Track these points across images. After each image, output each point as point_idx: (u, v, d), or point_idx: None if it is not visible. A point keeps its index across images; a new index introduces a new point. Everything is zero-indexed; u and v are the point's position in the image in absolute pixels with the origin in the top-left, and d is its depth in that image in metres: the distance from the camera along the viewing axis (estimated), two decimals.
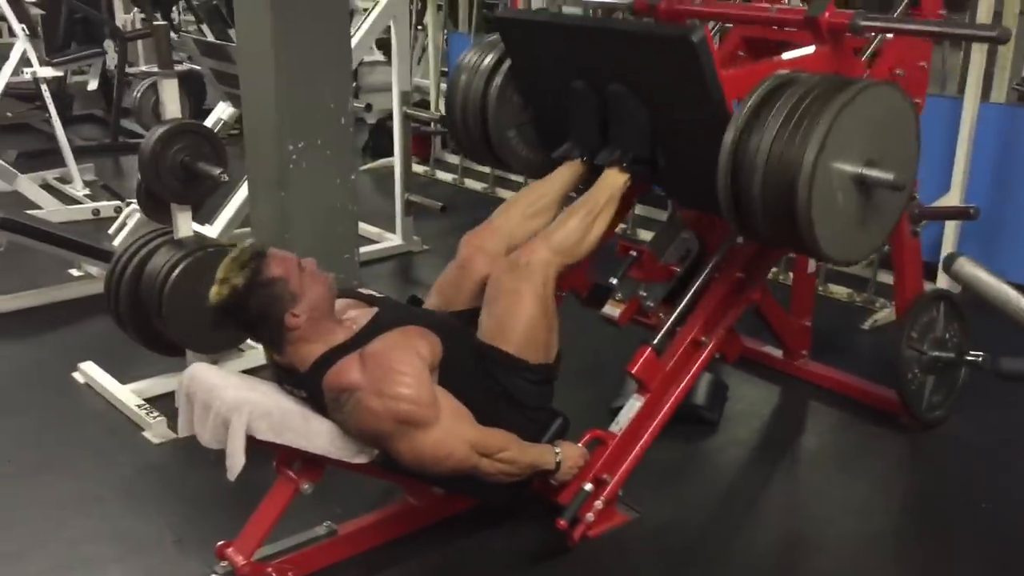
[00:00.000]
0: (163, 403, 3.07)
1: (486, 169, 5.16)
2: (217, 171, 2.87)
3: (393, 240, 4.58)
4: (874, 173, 2.11)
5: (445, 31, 6.01)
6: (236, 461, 1.96)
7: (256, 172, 3.27)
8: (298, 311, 2.03)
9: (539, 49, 2.64)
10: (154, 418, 2.94)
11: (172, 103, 2.94)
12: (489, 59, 2.80)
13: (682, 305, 2.50)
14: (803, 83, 2.16)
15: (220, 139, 3.05)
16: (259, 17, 3.02)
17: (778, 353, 3.32)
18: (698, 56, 2.19)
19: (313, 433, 2.05)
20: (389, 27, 4.29)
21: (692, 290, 2.52)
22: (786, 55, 2.55)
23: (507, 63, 2.75)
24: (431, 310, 2.38)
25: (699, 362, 2.50)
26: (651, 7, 2.87)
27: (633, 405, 2.45)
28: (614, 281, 2.69)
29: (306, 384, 2.08)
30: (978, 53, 3.67)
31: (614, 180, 2.45)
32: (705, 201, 2.55)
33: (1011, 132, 3.83)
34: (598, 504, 2.35)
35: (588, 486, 2.32)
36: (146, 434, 2.93)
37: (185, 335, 2.99)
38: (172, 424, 2.93)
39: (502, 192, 5.36)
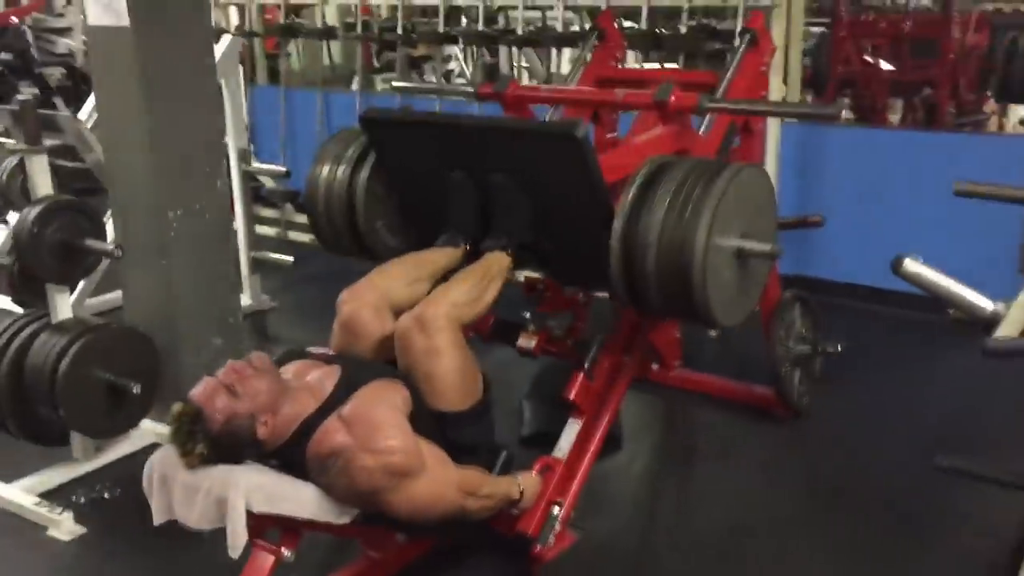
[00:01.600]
0: (59, 497, 2.89)
1: None
2: (111, 247, 2.75)
3: (243, 300, 4.48)
4: (752, 246, 2.31)
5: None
6: (239, 539, 1.92)
7: (130, 243, 3.14)
8: (263, 419, 2.03)
9: (411, 144, 2.70)
10: (59, 514, 2.75)
11: (42, 180, 2.79)
12: (351, 152, 2.83)
13: (604, 333, 2.68)
14: (679, 168, 2.33)
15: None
16: (130, 90, 2.93)
17: (654, 366, 3.57)
18: (582, 150, 2.33)
19: (303, 499, 2.04)
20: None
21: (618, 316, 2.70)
22: (641, 137, 2.79)
23: (371, 156, 2.79)
24: (381, 363, 2.39)
25: (624, 381, 2.69)
26: (496, 93, 3.00)
27: (572, 429, 2.59)
28: (527, 315, 2.83)
29: (286, 455, 2.08)
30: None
31: (498, 260, 2.49)
32: (590, 281, 2.77)
33: (808, 147, 4.36)
34: (556, 527, 2.48)
35: (556, 510, 2.43)
36: (52, 532, 2.74)
37: (81, 421, 2.83)
38: (80, 518, 2.77)
39: None
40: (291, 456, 2.07)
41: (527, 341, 2.83)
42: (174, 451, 2.04)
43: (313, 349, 2.37)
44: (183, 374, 3.15)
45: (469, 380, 2.31)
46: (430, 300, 2.32)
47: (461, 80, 7.61)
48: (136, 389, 2.82)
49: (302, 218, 5.75)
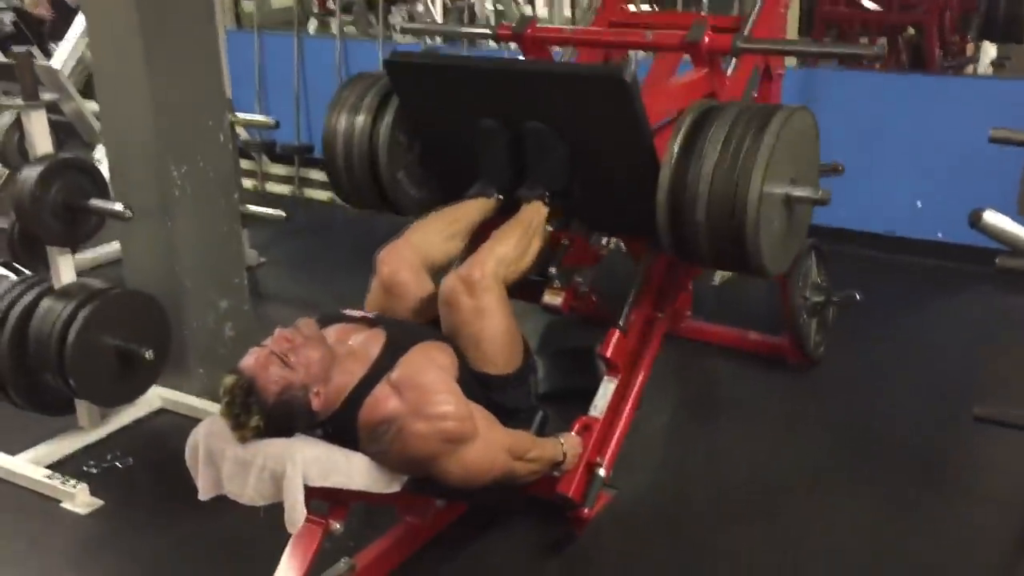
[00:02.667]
0: (68, 468, 2.79)
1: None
2: (119, 207, 2.62)
3: None
4: (803, 192, 2.29)
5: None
6: (298, 513, 1.86)
7: (131, 202, 2.99)
8: (316, 388, 1.95)
9: (439, 90, 2.60)
10: (73, 486, 2.65)
11: (42, 138, 2.64)
12: (370, 99, 2.74)
13: (635, 287, 2.62)
14: (727, 113, 2.29)
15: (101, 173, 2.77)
16: (128, 41, 2.77)
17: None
18: (630, 94, 2.26)
19: (355, 471, 1.97)
20: None
21: (640, 271, 2.64)
22: (675, 80, 2.71)
23: (393, 102, 2.70)
24: (424, 324, 2.32)
25: (657, 337, 2.64)
26: (516, 35, 2.91)
27: (608, 387, 2.55)
28: (553, 270, 2.76)
29: (335, 424, 2.00)
30: None
31: (537, 210, 2.45)
32: (626, 227, 2.70)
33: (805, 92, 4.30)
34: (599, 488, 2.44)
35: (601, 471, 2.40)
36: (67, 505, 2.64)
37: (92, 390, 2.73)
38: (95, 489, 2.67)
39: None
40: (341, 425, 2.00)
41: (553, 298, 2.76)
42: (222, 424, 1.95)
43: (349, 311, 2.28)
44: (189, 337, 3.07)
45: (515, 342, 2.27)
46: (476, 260, 2.25)
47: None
48: (149, 354, 2.71)
49: (279, 169, 5.63)
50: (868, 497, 2.64)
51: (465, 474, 2.05)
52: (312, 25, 6.10)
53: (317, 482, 1.89)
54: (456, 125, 2.57)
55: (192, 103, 2.92)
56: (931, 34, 5.32)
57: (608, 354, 2.53)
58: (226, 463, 1.92)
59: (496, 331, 2.21)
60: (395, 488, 2.05)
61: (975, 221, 1.87)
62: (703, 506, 2.62)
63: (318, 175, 5.65)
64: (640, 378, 2.59)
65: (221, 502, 2.57)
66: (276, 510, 1.91)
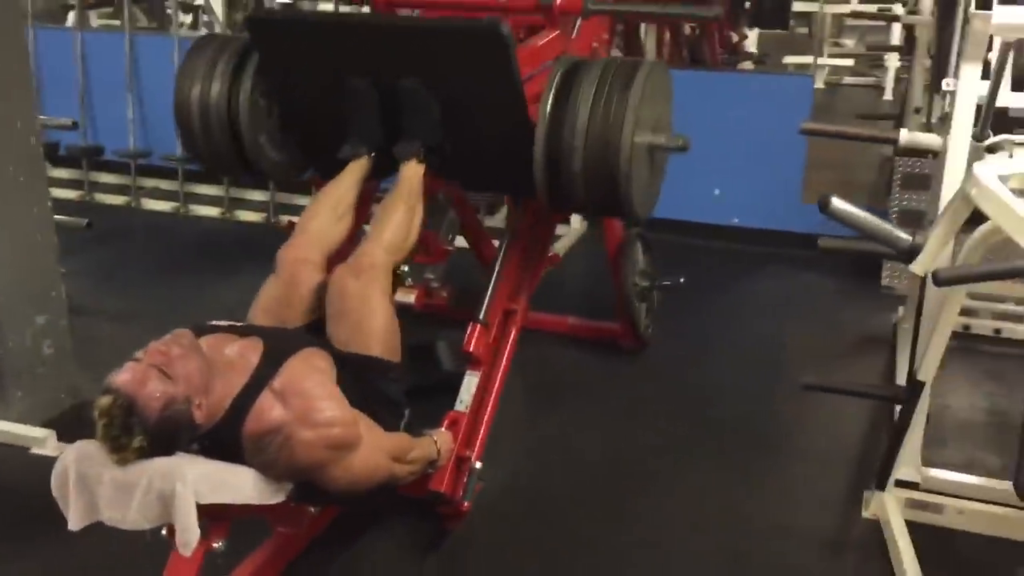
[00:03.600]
0: None
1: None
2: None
3: None
4: (667, 141, 2.46)
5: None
6: (193, 534, 1.75)
7: None
8: (198, 401, 1.85)
9: (304, 49, 2.56)
10: None
11: None
12: (224, 63, 2.67)
13: (493, 279, 2.66)
14: (594, 68, 2.40)
15: None
16: None
17: None
18: (506, 47, 2.33)
19: (242, 484, 1.89)
20: None
21: (496, 264, 2.69)
22: (534, 40, 2.77)
23: (250, 65, 2.64)
24: (298, 329, 2.26)
25: (515, 328, 2.70)
26: None
27: (471, 381, 2.57)
28: (405, 268, 2.76)
29: (215, 436, 1.91)
30: None
31: (415, 172, 2.50)
32: (498, 183, 2.74)
33: None
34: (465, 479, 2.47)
35: (478, 464, 2.42)
36: None
37: None
38: None
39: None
40: (221, 438, 1.91)
41: (406, 296, 2.77)
42: (94, 447, 1.81)
43: (216, 322, 2.18)
44: (5, 358, 2.82)
45: (397, 333, 2.28)
46: (366, 248, 2.29)
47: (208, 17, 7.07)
48: None
49: (107, 178, 5.26)
50: (711, 467, 2.83)
51: (351, 480, 2.02)
52: (70, 19, 5.70)
53: (207, 499, 1.80)
54: (322, 84, 2.53)
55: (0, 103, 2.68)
56: (710, 31, 5.67)
57: (471, 348, 2.56)
58: (103, 487, 1.79)
59: (382, 318, 2.23)
60: (280, 498, 1.99)
61: (824, 206, 2.04)
62: (564, 490, 2.71)
63: (110, 178, 5.34)
64: (501, 370, 2.64)
65: (59, 531, 2.43)
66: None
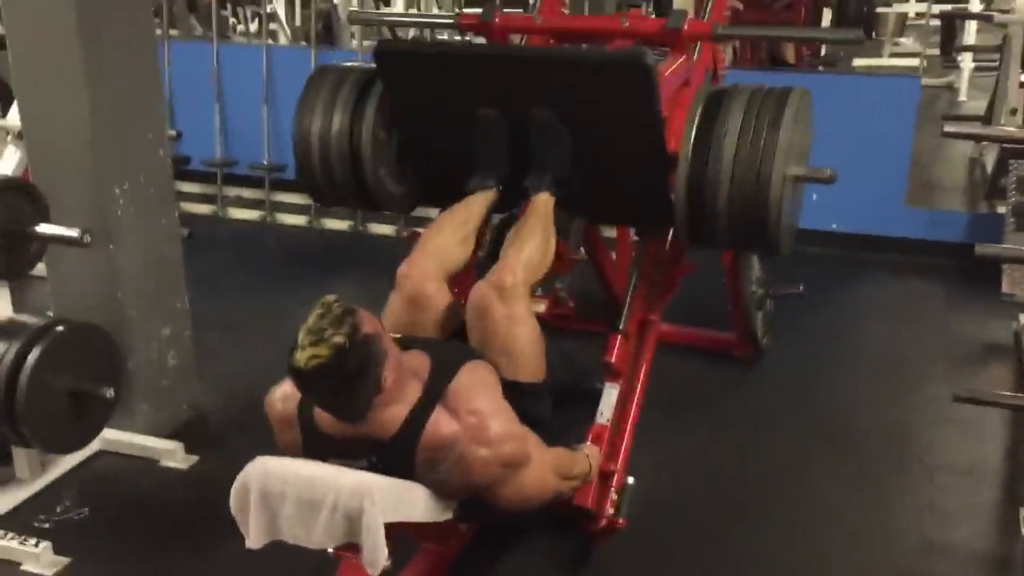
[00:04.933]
0: (13, 523, 2.50)
1: None
2: (76, 233, 2.35)
3: None
4: (814, 173, 2.36)
5: None
6: (381, 554, 1.71)
7: (66, 224, 2.70)
8: (388, 370, 1.81)
9: (433, 80, 2.50)
10: (35, 545, 2.36)
11: None
12: (345, 95, 2.63)
13: (631, 289, 2.60)
14: (738, 98, 2.32)
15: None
16: (64, 43, 2.49)
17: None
18: (650, 79, 2.24)
19: (416, 502, 1.86)
20: None
21: (633, 273, 2.63)
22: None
23: (371, 98, 2.61)
24: (458, 343, 2.22)
25: (651, 339, 2.64)
26: (482, 24, 2.81)
27: (611, 393, 2.51)
28: None
29: (394, 450, 1.86)
30: None
31: (547, 203, 2.41)
32: (627, 216, 2.70)
33: None
34: (613, 495, 2.41)
35: (631, 480, 2.36)
36: (29, 567, 2.35)
37: (45, 436, 2.45)
38: (56, 547, 2.39)
39: None
40: (393, 454, 1.86)
41: (535, 306, 2.71)
42: (274, 463, 1.79)
43: None
44: (133, 370, 2.80)
45: (541, 351, 2.21)
46: (506, 266, 2.20)
47: (274, 26, 7.08)
48: (109, 394, 2.45)
49: (190, 187, 5.28)
50: (848, 480, 2.75)
51: (522, 499, 1.98)
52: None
53: (389, 518, 1.76)
54: (449, 116, 2.49)
55: (131, 113, 2.67)
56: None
57: (612, 359, 2.50)
58: (287, 505, 1.76)
59: (529, 338, 2.16)
60: (448, 516, 1.95)
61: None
62: (706, 504, 2.65)
63: (190, 187, 5.35)
64: (641, 382, 2.58)
65: (199, 545, 2.41)
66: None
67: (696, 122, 2.31)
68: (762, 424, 3.06)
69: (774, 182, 2.22)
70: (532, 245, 2.27)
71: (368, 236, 4.88)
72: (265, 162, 5.04)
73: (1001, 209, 4.62)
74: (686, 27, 2.61)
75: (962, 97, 7.17)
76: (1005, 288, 3.75)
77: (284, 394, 1.97)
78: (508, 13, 2.82)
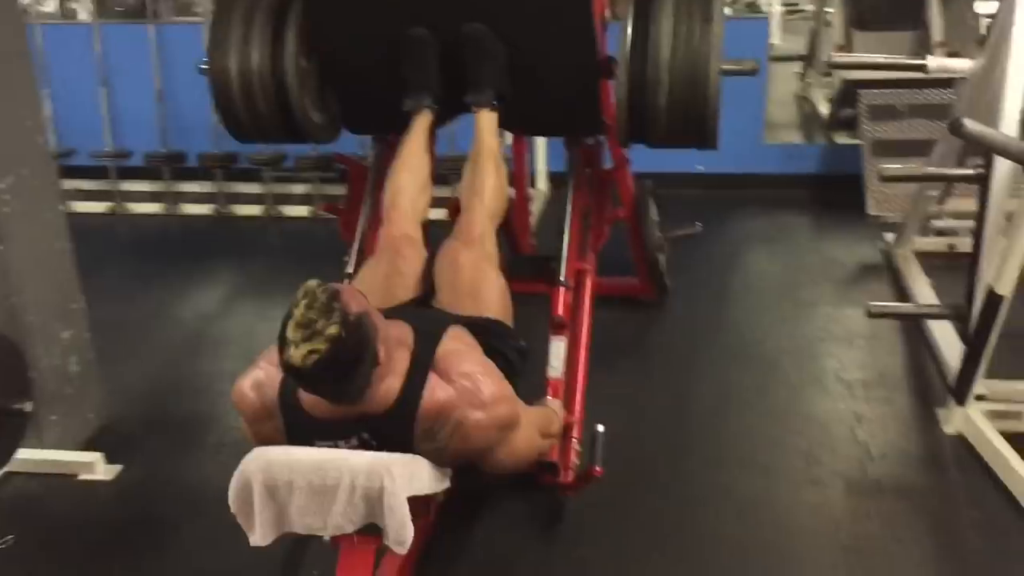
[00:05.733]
0: None
1: None
2: None
3: None
4: (737, 65, 2.44)
5: None
6: (408, 531, 1.65)
7: None
8: (382, 346, 1.73)
9: (360, 2, 2.45)
10: None
11: None
12: (261, 27, 2.54)
13: (565, 239, 2.60)
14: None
15: None
16: None
17: None
18: None
19: (422, 473, 1.80)
20: None
21: (565, 224, 2.63)
22: None
23: (289, 26, 2.52)
24: (432, 309, 2.14)
25: (589, 288, 2.65)
26: None
27: (560, 346, 2.51)
28: None
29: (390, 423, 1.79)
30: None
31: (492, 122, 2.45)
32: (561, 125, 2.70)
33: None
34: (576, 446, 2.41)
35: (600, 428, 2.35)
36: None
37: None
38: None
39: None
40: (399, 424, 1.78)
41: None
42: (276, 454, 1.69)
43: None
44: (37, 379, 2.57)
45: (508, 300, 2.25)
46: (471, 217, 2.28)
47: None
48: (28, 407, 2.24)
49: None
50: (777, 402, 2.89)
51: (515, 459, 1.96)
52: None
53: (408, 492, 1.69)
54: (377, 37, 2.44)
55: (7, 101, 2.41)
56: None
57: (559, 312, 2.49)
58: (296, 495, 1.66)
59: (494, 285, 2.21)
60: (447, 485, 1.91)
61: (956, 128, 2.07)
62: (654, 445, 2.69)
63: None
64: (585, 331, 2.59)
65: (140, 557, 2.26)
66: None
67: (631, 24, 2.36)
68: (685, 361, 3.16)
69: (712, 77, 2.31)
70: (489, 188, 2.32)
71: (232, 219, 4.66)
72: (107, 149, 4.70)
73: (840, 140, 4.95)
74: None
75: (775, 40, 7.56)
76: (871, 210, 4.01)
77: (256, 382, 1.86)
78: None
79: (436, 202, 2.89)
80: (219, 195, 4.68)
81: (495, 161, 2.39)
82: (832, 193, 4.52)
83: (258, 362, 1.89)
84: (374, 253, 2.32)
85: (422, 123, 2.47)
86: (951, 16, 5.24)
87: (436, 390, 1.80)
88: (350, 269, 2.64)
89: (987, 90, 2.63)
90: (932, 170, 2.86)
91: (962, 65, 2.79)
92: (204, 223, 4.66)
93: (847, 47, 5.16)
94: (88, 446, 2.69)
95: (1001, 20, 2.54)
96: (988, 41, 2.63)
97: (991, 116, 2.48)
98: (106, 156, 4.69)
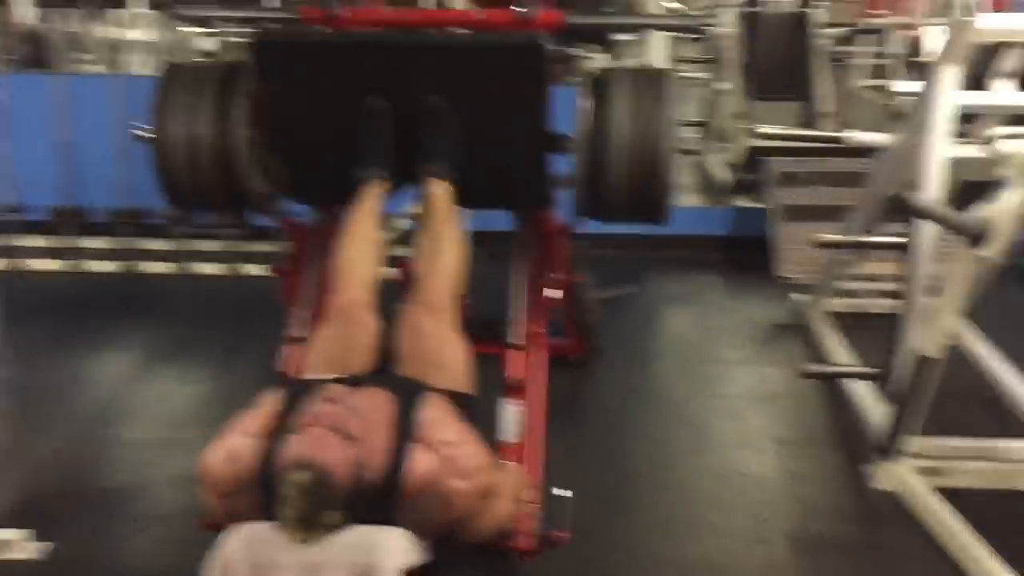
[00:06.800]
0: None
1: None
2: None
3: None
4: (683, 144, 2.55)
5: None
6: None
7: None
8: (370, 462, 1.72)
9: (318, 70, 2.42)
10: None
11: None
12: (209, 94, 2.48)
13: (513, 301, 2.62)
14: (623, 79, 2.47)
15: None
16: None
17: None
18: (544, 62, 2.32)
19: (404, 548, 1.75)
20: None
21: (512, 285, 2.65)
22: None
23: (237, 95, 2.47)
24: (404, 376, 2.09)
25: (543, 350, 2.66)
26: (329, 17, 2.72)
27: (515, 411, 2.50)
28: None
29: (371, 497, 1.74)
30: None
31: (446, 193, 2.43)
32: (508, 199, 2.71)
33: None
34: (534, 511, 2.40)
35: (569, 493, 2.33)
36: None
37: None
38: None
39: None
40: (371, 499, 1.74)
41: None
42: (261, 530, 1.62)
43: (313, 376, 2.00)
44: None
45: (471, 365, 2.20)
46: (432, 284, 2.22)
47: None
48: None
49: None
50: (711, 460, 2.96)
51: (494, 526, 1.94)
52: None
53: (400, 568, 1.66)
54: (332, 107, 2.41)
55: None
56: None
57: (515, 376, 2.50)
58: (283, 573, 1.60)
59: (461, 352, 2.16)
60: (427, 558, 1.86)
61: (899, 202, 2.20)
62: (595, 503, 2.67)
63: None
64: (541, 393, 2.59)
65: None
66: None
67: (588, 104, 2.41)
68: (618, 421, 3.21)
69: (667, 157, 2.38)
70: (450, 255, 2.29)
71: (141, 276, 4.49)
72: (4, 203, 4.48)
73: (742, 203, 5.16)
74: (538, 18, 2.68)
75: None
76: (782, 271, 4.18)
77: (230, 454, 1.79)
78: (360, 8, 2.75)
79: (387, 262, 2.91)
80: (126, 252, 4.51)
81: (452, 225, 2.37)
82: (740, 254, 4.70)
83: (229, 432, 1.83)
84: (324, 320, 2.24)
85: (371, 195, 2.43)
86: (840, 90, 5.60)
87: (420, 462, 1.77)
88: (295, 332, 2.59)
89: (906, 163, 2.80)
90: (863, 238, 3.02)
91: (878, 139, 2.97)
92: (111, 281, 4.48)
93: (745, 116, 5.42)
94: (14, 523, 2.52)
95: (925, 98, 2.71)
96: (911, 117, 2.81)
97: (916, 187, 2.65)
98: (2, 210, 4.46)
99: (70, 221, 4.46)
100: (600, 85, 2.48)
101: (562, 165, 2.55)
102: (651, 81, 2.47)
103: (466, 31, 2.79)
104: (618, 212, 2.52)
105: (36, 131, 4.50)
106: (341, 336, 2.18)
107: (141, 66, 5.15)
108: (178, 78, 2.52)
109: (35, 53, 5.22)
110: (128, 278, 4.49)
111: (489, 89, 2.40)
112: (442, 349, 2.14)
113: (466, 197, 2.54)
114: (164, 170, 2.48)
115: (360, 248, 2.36)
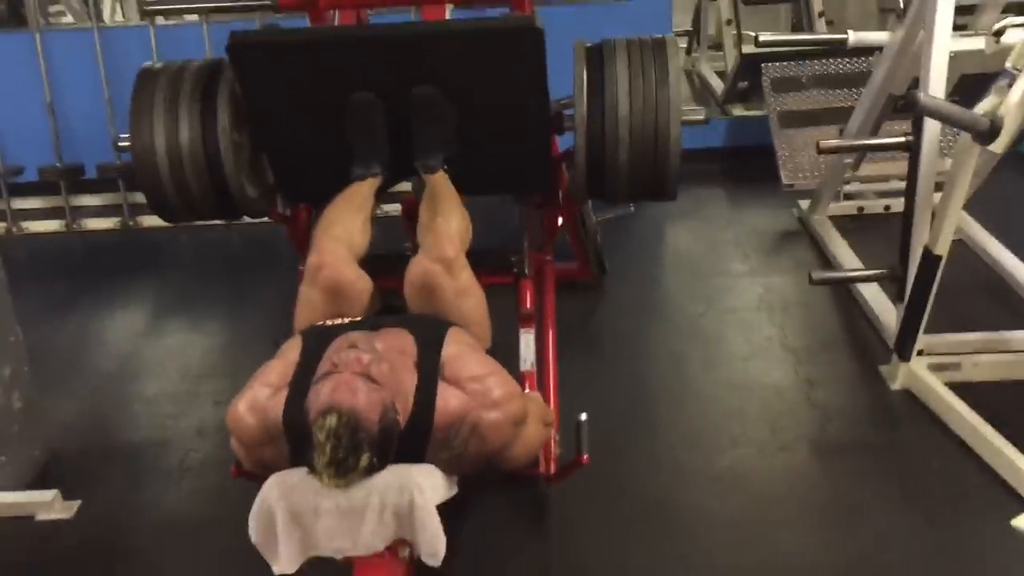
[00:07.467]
0: None
1: None
2: None
3: None
4: (695, 116, 2.43)
5: None
6: (442, 542, 1.64)
7: None
8: (398, 404, 1.72)
9: (298, 70, 2.32)
10: None
11: None
12: (188, 101, 2.39)
13: (522, 231, 2.61)
14: (619, 51, 2.35)
15: None
16: None
17: None
18: (540, 44, 2.22)
19: (439, 484, 1.78)
20: None
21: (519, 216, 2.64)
22: None
23: (220, 98, 2.39)
24: (424, 315, 2.09)
25: (550, 278, 2.67)
26: (306, 3, 2.65)
27: (529, 338, 2.52)
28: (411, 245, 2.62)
29: (406, 442, 1.76)
30: None
31: (445, 179, 2.34)
32: (508, 184, 2.63)
33: None
34: (555, 436, 2.43)
35: (583, 416, 2.36)
36: None
37: None
38: None
39: None
40: (405, 441, 1.76)
41: None
42: (299, 477, 1.64)
43: (335, 322, 2.00)
44: None
45: (488, 318, 2.19)
46: (443, 239, 2.11)
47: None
48: None
49: None
50: (730, 373, 2.99)
51: (528, 453, 1.99)
52: None
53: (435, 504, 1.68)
54: (317, 105, 2.33)
55: None
56: None
57: (528, 304, 2.50)
58: (323, 518, 1.62)
59: (480, 307, 2.13)
60: (454, 492, 1.89)
61: (913, 104, 2.16)
62: (620, 425, 2.72)
63: None
64: (551, 320, 2.60)
65: None
66: None
67: (585, 81, 2.31)
68: (633, 341, 3.21)
69: (672, 134, 2.29)
70: (455, 216, 2.22)
71: (141, 232, 4.47)
72: None
73: (736, 112, 5.11)
74: None
75: None
76: (785, 180, 4.15)
77: (253, 404, 1.80)
78: None
79: (389, 197, 2.88)
80: (122, 207, 4.48)
81: (454, 198, 2.28)
82: (741, 165, 4.66)
83: (252, 383, 1.84)
84: (305, 280, 2.12)
85: (367, 186, 2.35)
86: None
87: (448, 400, 1.79)
88: None
89: (906, 61, 2.76)
90: (867, 141, 2.99)
91: (881, 37, 2.91)
92: (110, 238, 4.46)
93: (735, 22, 5.31)
94: (39, 484, 2.56)
95: None
96: (908, 15, 2.76)
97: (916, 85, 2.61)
98: None
99: (63, 179, 4.41)
100: (595, 58, 2.36)
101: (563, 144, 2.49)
102: (649, 53, 2.34)
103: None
104: (622, 191, 2.43)
105: (19, 91, 4.42)
106: (327, 295, 2.11)
107: (116, 15, 5.07)
108: (153, 82, 2.41)
109: (9, 11, 5.11)
110: (127, 233, 4.47)
111: (483, 74, 2.30)
112: (461, 304, 2.09)
113: (467, 184, 2.44)
114: (147, 180, 2.41)
115: (346, 216, 2.26)
